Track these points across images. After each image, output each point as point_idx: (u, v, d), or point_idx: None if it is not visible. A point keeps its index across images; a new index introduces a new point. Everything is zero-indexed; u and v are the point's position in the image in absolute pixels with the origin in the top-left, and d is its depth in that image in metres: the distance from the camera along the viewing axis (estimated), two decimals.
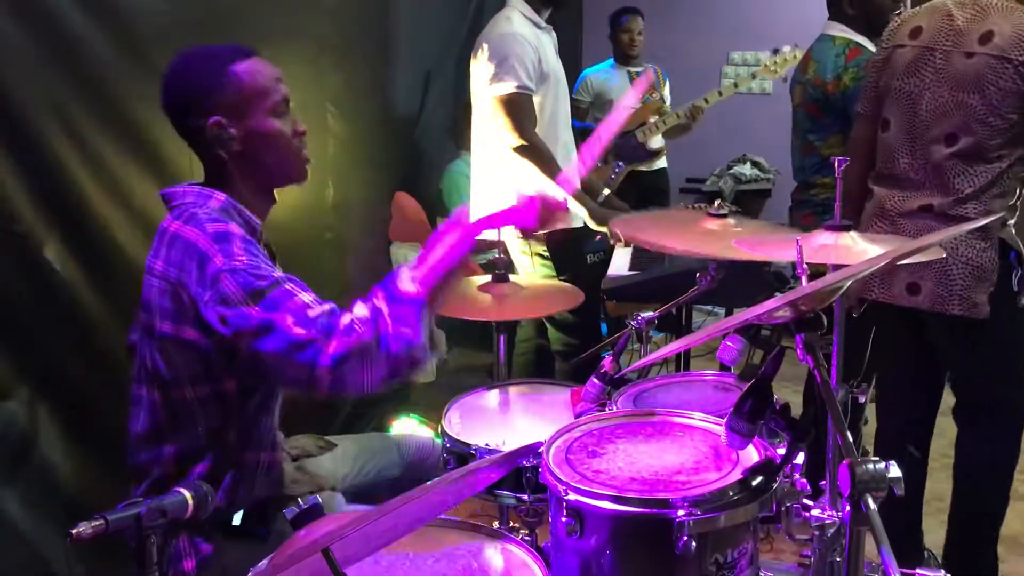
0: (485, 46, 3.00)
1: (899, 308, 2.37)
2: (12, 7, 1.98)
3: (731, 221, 1.91)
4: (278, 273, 1.54)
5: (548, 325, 3.25)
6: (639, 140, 4.92)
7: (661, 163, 5.09)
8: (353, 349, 1.42)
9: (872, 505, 1.06)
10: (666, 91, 5.22)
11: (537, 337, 3.45)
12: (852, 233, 1.55)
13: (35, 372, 2.10)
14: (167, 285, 1.57)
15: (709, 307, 4.84)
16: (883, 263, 1.22)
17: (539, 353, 3.44)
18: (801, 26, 3.19)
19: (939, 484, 2.62)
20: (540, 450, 1.52)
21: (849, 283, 1.25)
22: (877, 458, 1.08)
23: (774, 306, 1.10)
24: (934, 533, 2.67)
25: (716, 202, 1.94)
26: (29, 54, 2.03)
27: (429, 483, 1.06)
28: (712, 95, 4.67)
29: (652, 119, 4.91)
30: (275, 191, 1.76)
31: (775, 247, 1.64)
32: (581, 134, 4.97)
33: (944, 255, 1.76)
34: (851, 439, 1.12)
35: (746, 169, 5.78)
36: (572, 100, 4.91)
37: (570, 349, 3.20)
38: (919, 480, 2.57)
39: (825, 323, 1.27)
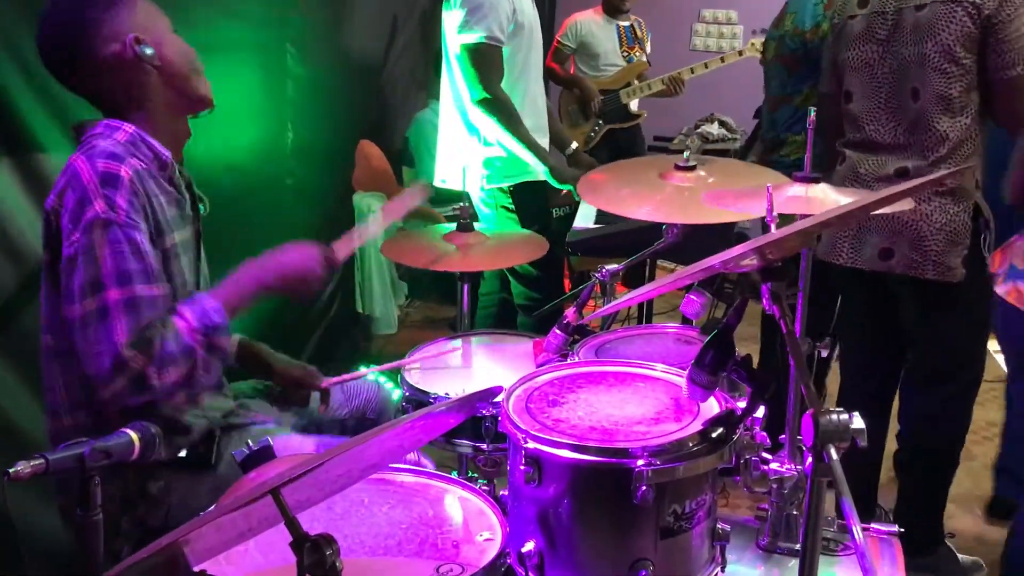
0: None
1: (867, 274, 2.37)
2: None
3: (701, 172, 1.89)
4: (151, 261, 1.52)
5: (511, 279, 3.22)
6: (622, 101, 4.90)
7: (637, 121, 5.07)
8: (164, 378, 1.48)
9: (835, 456, 1.05)
10: (648, 47, 5.18)
11: (500, 291, 3.41)
12: (823, 185, 1.53)
13: None
14: (47, 215, 1.54)
15: (673, 265, 4.87)
16: (853, 211, 1.20)
17: (502, 307, 3.41)
18: None
19: (891, 444, 2.65)
20: (499, 397, 1.49)
21: (817, 232, 1.23)
22: (841, 409, 1.07)
23: (742, 251, 1.08)
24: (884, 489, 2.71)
25: (685, 154, 1.91)
26: None
27: (383, 424, 1.03)
28: (698, 67, 4.71)
29: (635, 81, 4.88)
30: (190, 121, 1.72)
31: (745, 201, 1.61)
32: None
33: (914, 206, 1.74)
34: (815, 391, 1.11)
35: (713, 129, 5.76)
36: (556, 44, 4.86)
37: (533, 303, 3.17)
38: (879, 443, 2.59)
39: (793, 273, 1.25)
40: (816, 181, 1.54)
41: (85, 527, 1.17)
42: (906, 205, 1.62)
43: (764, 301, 1.22)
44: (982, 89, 2.20)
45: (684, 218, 1.79)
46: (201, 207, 1.79)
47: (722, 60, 4.85)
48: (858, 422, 1.07)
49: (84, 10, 1.58)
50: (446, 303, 4.69)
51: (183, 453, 1.64)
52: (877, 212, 2.21)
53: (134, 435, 1.27)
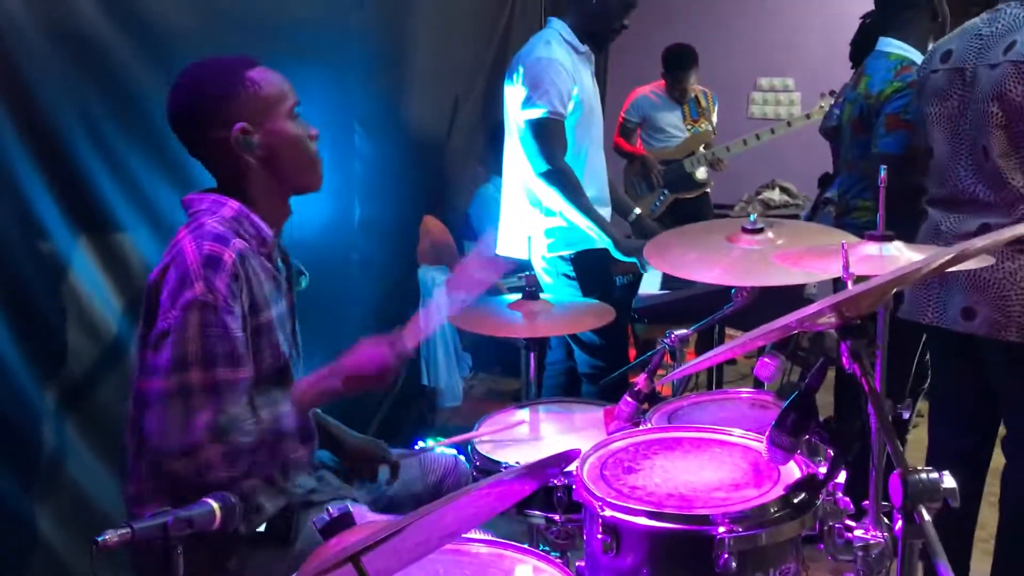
0: (521, 68, 2.99)
1: (954, 334, 2.31)
2: (38, 13, 1.98)
3: (769, 235, 1.87)
4: (238, 346, 1.56)
5: (574, 347, 3.21)
6: (686, 170, 4.93)
7: (705, 189, 5.10)
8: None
9: (926, 516, 1.01)
10: (714, 117, 5.22)
11: (567, 360, 3.40)
12: (896, 243, 1.51)
13: (62, 384, 2.08)
14: (149, 289, 1.59)
15: (740, 332, 4.82)
16: (928, 268, 1.18)
17: (569, 376, 3.39)
18: (823, 53, 3.16)
19: (982, 515, 2.54)
20: (571, 466, 1.47)
21: (894, 290, 1.21)
22: (930, 468, 1.03)
23: (819, 308, 1.07)
24: (979, 562, 2.58)
25: (751, 216, 1.90)
26: (55, 59, 2.03)
27: (458, 491, 1.02)
28: (764, 133, 4.78)
29: (700, 149, 4.92)
30: (291, 204, 1.76)
31: (817, 260, 1.60)
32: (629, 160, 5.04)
33: (993, 261, 1.70)
34: (901, 450, 1.08)
35: (775, 195, 5.73)
36: (621, 120, 4.94)
37: (596, 371, 3.15)
38: (972, 512, 2.49)
39: (871, 331, 1.23)
40: (889, 239, 1.52)
41: None
42: (984, 262, 1.58)
43: (844, 359, 1.20)
44: None
45: (755, 280, 1.78)
46: (303, 280, 1.84)
47: (788, 125, 4.87)
48: (949, 481, 1.03)
49: (204, 89, 1.65)
50: (510, 375, 4.69)
51: (262, 528, 1.65)
52: (959, 270, 2.17)
53: (216, 505, 1.28)
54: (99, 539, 1.13)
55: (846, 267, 1.29)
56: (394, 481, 1.93)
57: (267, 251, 1.68)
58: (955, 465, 2.43)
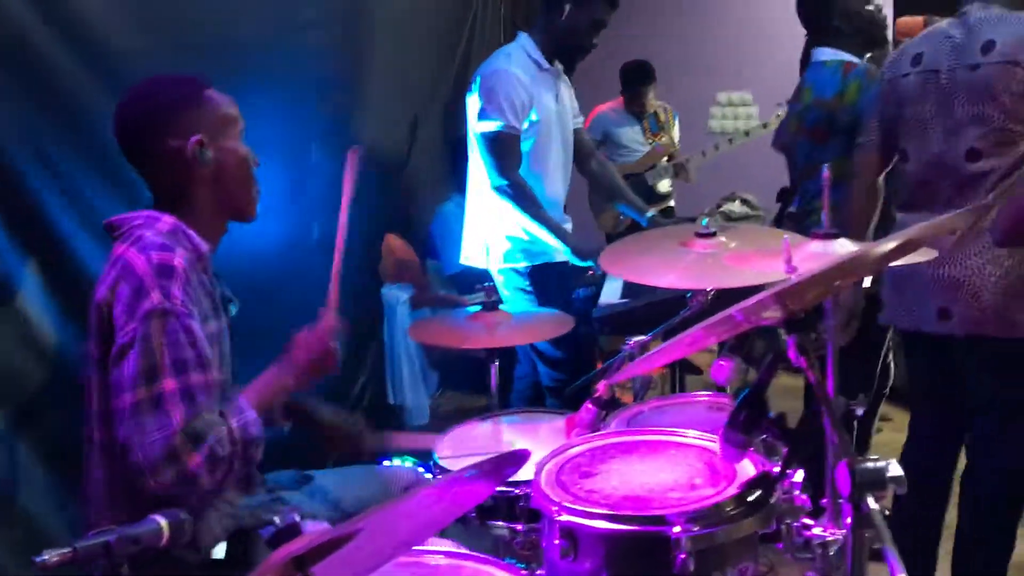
0: (479, 79, 3.00)
1: (931, 338, 2.33)
2: None
3: (722, 238, 1.88)
4: (204, 349, 1.55)
5: (537, 361, 3.20)
6: (648, 183, 4.97)
7: (669, 203, 5.13)
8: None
9: (874, 505, 1.01)
10: (675, 131, 5.27)
11: (534, 374, 3.40)
12: (842, 240, 1.52)
13: (13, 408, 2.05)
14: (98, 308, 1.57)
15: None
16: (870, 259, 1.19)
17: (536, 390, 3.38)
18: (780, 66, 3.21)
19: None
20: (527, 471, 1.46)
21: (839, 282, 1.22)
22: (876, 456, 1.04)
23: (761, 299, 1.07)
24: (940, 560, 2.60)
25: (704, 220, 1.91)
26: (1, 82, 2.01)
27: (410, 491, 1.01)
28: (723, 144, 4.85)
29: (663, 162, 4.96)
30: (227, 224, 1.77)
31: (767, 260, 1.60)
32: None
33: (935, 255, 1.72)
34: (848, 440, 1.08)
35: (735, 207, 5.78)
36: None
37: (560, 385, 3.14)
38: (938, 515, 2.50)
39: (817, 326, 1.24)
40: (835, 237, 1.53)
41: None
42: (927, 255, 1.60)
43: (791, 354, 1.21)
44: None
45: (708, 283, 1.79)
46: (232, 307, 1.82)
47: (746, 134, 4.93)
48: (895, 469, 1.04)
49: (161, 99, 1.66)
50: (478, 393, 4.67)
51: (220, 553, 1.63)
52: (932, 271, 2.20)
53: (163, 522, 1.25)
54: (39, 559, 1.10)
55: (788, 261, 1.30)
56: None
57: (203, 266, 1.67)
58: (928, 469, 2.47)
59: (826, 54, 2.92)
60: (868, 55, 2.97)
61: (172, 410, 1.48)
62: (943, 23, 2.36)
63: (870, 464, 1.04)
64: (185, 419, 1.48)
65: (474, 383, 4.73)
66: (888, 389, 3.19)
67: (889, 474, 1.04)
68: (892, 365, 3.15)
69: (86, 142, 2.18)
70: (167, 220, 1.63)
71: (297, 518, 1.10)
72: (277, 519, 1.11)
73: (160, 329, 1.50)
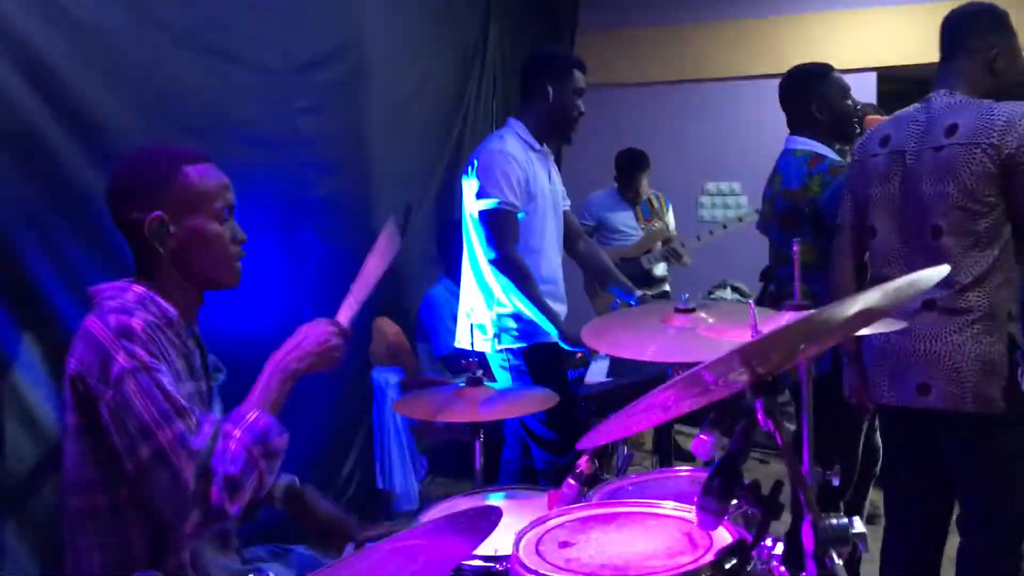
0: (475, 162, 3.09)
1: (909, 412, 2.36)
2: None
3: (702, 314, 1.93)
4: (177, 397, 1.57)
5: (530, 443, 3.20)
6: (644, 267, 5.04)
7: (664, 287, 5.19)
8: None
9: (838, 561, 1.03)
10: (669, 217, 5.37)
11: (523, 458, 3.39)
12: (813, 312, 1.56)
13: (1, 483, 2.05)
14: (71, 380, 1.59)
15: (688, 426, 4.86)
16: (833, 319, 1.23)
17: (524, 474, 3.36)
18: (768, 157, 3.30)
19: None
20: (508, 545, 1.47)
21: (803, 346, 1.25)
22: (840, 513, 1.06)
23: (726, 355, 1.11)
24: None
25: (683, 296, 1.96)
26: None
27: (375, 543, 1.02)
28: (717, 228, 4.95)
29: (657, 247, 5.05)
30: (205, 294, 1.79)
31: (738, 331, 1.65)
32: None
33: (899, 327, 1.76)
34: (812, 497, 1.10)
35: (726, 294, 5.84)
36: None
37: (553, 468, 3.14)
38: None
39: (783, 389, 1.27)
40: (806, 308, 1.57)
41: None
42: (888, 326, 1.64)
43: (759, 417, 1.23)
44: (1014, 221, 2.26)
45: (684, 355, 1.82)
46: (220, 375, 1.85)
47: (740, 220, 5.03)
48: (859, 526, 1.06)
49: (135, 169, 1.71)
50: (467, 479, 4.63)
51: None
52: (912, 347, 2.25)
53: None
54: None
55: (754, 326, 1.34)
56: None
57: (175, 331, 1.69)
58: (913, 547, 2.45)
59: (798, 143, 3.03)
60: (837, 146, 3.09)
61: (175, 458, 1.52)
62: (910, 108, 2.48)
63: (833, 520, 1.05)
64: (188, 461, 1.52)
65: (463, 468, 4.69)
66: (879, 469, 3.18)
67: (853, 530, 1.05)
68: (880, 447, 3.15)
69: (84, 219, 2.24)
70: (136, 290, 1.67)
71: (269, 574, 1.11)
72: None
73: (136, 388, 1.53)
